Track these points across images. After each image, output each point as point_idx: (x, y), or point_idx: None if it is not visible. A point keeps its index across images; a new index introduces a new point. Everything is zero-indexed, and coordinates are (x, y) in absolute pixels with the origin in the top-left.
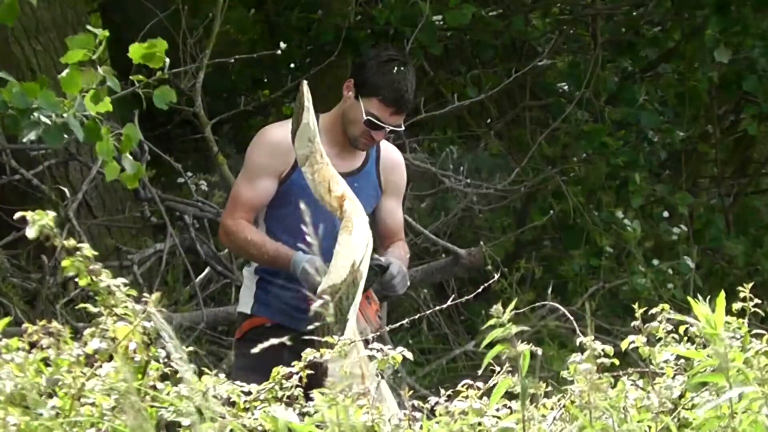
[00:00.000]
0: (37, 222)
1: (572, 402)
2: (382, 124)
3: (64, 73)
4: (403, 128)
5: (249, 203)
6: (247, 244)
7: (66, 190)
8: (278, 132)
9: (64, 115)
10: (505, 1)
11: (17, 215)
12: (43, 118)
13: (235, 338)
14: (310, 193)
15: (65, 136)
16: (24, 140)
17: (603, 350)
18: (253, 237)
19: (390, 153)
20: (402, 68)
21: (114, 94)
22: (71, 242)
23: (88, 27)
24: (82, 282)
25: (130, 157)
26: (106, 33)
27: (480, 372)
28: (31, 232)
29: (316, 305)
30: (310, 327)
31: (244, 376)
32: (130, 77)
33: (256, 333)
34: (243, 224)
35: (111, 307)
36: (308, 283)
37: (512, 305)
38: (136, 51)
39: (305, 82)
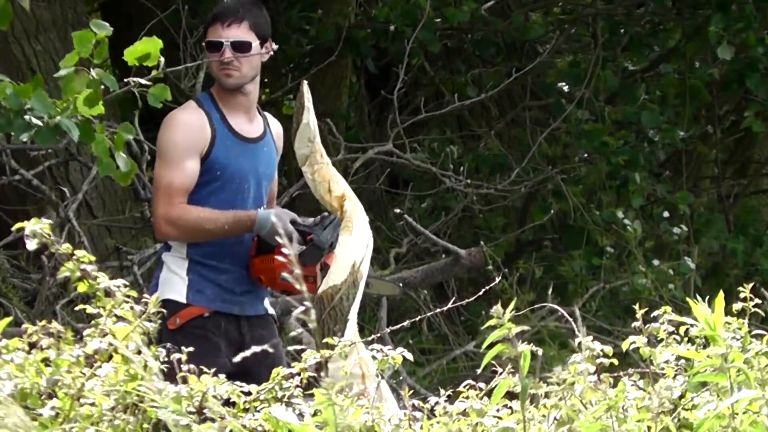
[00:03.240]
0: (37, 234)
1: (572, 403)
2: (218, 41)
3: (61, 73)
4: (256, 42)
5: (183, 188)
6: (199, 222)
7: (66, 190)
8: (187, 113)
9: (57, 117)
10: (506, 1)
11: (16, 226)
12: (34, 120)
13: (168, 328)
14: (233, 161)
15: (58, 137)
16: (16, 141)
17: (602, 350)
18: (204, 213)
19: (275, 122)
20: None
21: (110, 93)
22: (67, 246)
23: (91, 24)
24: (82, 288)
25: (124, 156)
26: (104, 34)
27: (479, 371)
28: (31, 245)
29: (297, 312)
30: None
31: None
32: (125, 80)
33: (194, 325)
34: (186, 206)
35: (109, 309)
36: (283, 233)
37: (512, 305)
38: (130, 54)
39: (305, 82)
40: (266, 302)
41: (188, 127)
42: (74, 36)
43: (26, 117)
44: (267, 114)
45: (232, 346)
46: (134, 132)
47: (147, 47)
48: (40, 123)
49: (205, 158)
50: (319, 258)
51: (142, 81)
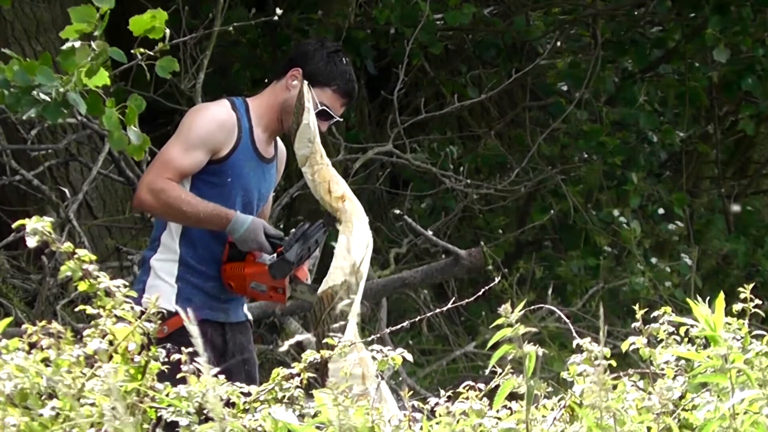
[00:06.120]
0: (38, 232)
1: (575, 403)
2: (334, 115)
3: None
4: (342, 120)
5: (180, 170)
6: (179, 201)
7: (66, 190)
8: (224, 111)
9: (62, 90)
10: (506, 1)
11: (17, 223)
12: (42, 95)
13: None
14: (245, 174)
15: (64, 111)
16: (24, 117)
17: (601, 352)
18: (186, 195)
19: (282, 146)
20: (347, 59)
21: (117, 65)
22: (68, 245)
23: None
24: (82, 287)
25: (136, 129)
26: (107, 7)
27: (487, 371)
28: (31, 242)
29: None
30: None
31: (167, 377)
32: (132, 51)
33: (181, 333)
34: (173, 183)
35: (109, 309)
36: (252, 243)
37: (521, 305)
38: (136, 24)
39: (306, 83)
40: (245, 308)
41: (216, 123)
42: (71, 11)
43: (33, 93)
44: (277, 137)
45: (215, 352)
46: (143, 106)
47: (152, 19)
48: (48, 99)
49: (223, 160)
50: (287, 272)
51: (150, 52)
